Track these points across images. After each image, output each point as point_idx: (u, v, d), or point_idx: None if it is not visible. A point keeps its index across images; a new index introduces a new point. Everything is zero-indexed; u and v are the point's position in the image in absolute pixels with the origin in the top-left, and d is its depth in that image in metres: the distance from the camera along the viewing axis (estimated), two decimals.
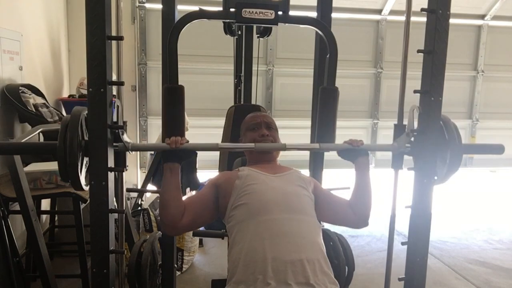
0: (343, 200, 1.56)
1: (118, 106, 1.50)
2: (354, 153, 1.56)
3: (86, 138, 1.36)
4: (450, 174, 1.53)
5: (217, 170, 2.14)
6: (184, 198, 1.47)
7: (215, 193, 1.49)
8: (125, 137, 1.46)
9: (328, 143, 1.63)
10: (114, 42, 1.37)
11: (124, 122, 1.49)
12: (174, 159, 1.44)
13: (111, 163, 1.36)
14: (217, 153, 2.15)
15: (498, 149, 1.65)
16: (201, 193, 1.51)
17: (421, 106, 1.54)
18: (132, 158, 4.23)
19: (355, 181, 1.56)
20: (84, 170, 1.36)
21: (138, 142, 4.32)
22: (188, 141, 1.45)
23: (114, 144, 1.40)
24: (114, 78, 1.38)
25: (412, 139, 1.58)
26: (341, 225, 1.58)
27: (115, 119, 1.41)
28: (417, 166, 1.57)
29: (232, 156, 2.04)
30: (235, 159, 1.93)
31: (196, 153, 1.49)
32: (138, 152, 4.32)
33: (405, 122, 1.66)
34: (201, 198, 1.50)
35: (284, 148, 1.55)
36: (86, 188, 1.37)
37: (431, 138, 1.52)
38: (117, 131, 1.40)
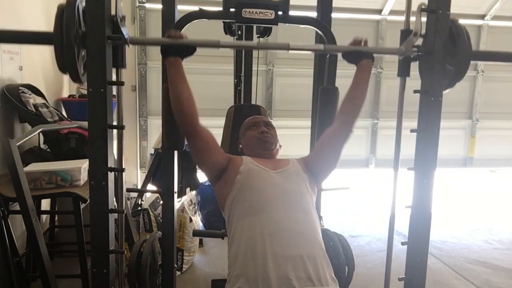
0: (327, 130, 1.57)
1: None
2: (359, 55, 1.54)
3: (83, 28, 1.30)
4: (457, 79, 1.47)
5: None
6: (184, 197, 1.47)
7: (227, 162, 1.53)
8: (124, 29, 1.37)
9: (333, 44, 1.58)
10: None
11: (124, 16, 1.39)
12: (175, 53, 1.43)
13: (111, 162, 1.36)
14: None
15: (507, 57, 1.59)
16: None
17: (421, 104, 1.53)
18: (132, 158, 4.24)
19: (353, 80, 1.53)
20: (82, 62, 1.31)
21: (138, 143, 4.33)
22: (187, 38, 1.43)
23: (113, 35, 1.33)
24: (114, 78, 1.38)
25: (420, 42, 1.50)
26: (338, 145, 1.53)
27: None
28: (423, 76, 1.51)
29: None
30: None
31: (195, 49, 1.44)
32: (138, 152, 4.32)
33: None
34: (220, 148, 1.57)
35: (288, 47, 1.48)
36: (83, 78, 1.31)
37: (438, 41, 1.44)
38: (115, 19, 1.33)
